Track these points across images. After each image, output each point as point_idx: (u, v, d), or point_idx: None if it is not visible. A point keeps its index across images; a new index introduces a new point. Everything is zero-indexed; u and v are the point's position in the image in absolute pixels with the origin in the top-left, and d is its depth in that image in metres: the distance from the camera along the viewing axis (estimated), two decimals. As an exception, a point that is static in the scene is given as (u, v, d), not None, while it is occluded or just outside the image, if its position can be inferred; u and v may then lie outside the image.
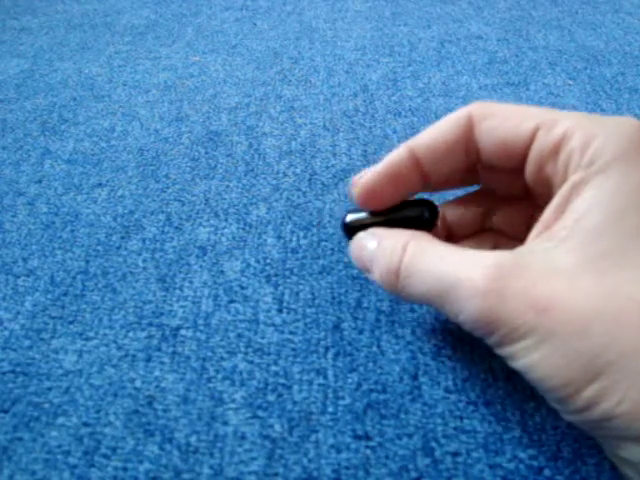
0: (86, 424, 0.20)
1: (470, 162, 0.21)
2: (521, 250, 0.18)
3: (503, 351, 0.17)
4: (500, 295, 0.16)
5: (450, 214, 0.24)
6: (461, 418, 0.20)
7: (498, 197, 0.23)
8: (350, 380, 0.21)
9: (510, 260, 0.17)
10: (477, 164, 0.21)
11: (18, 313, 0.24)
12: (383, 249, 0.20)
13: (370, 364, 0.22)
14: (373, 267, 0.20)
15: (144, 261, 0.27)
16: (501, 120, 0.19)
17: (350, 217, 0.22)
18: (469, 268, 0.17)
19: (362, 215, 0.22)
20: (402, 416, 0.20)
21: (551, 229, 0.17)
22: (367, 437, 0.20)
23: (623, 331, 0.15)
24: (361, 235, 0.21)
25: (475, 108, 0.20)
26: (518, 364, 0.17)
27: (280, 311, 0.24)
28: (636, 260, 0.16)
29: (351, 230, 0.22)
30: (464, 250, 0.18)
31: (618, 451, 0.16)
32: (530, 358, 0.16)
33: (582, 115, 0.18)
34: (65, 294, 0.25)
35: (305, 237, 0.28)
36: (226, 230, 0.29)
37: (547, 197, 0.19)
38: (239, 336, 0.23)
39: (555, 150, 0.18)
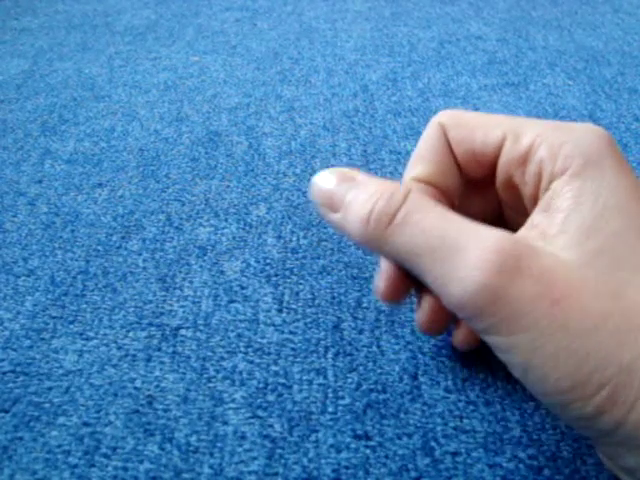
0: (86, 424, 0.20)
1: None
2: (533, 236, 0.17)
3: (497, 339, 0.15)
4: (513, 273, 0.15)
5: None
6: (461, 418, 0.20)
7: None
8: (350, 380, 0.22)
9: (526, 241, 0.16)
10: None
11: (18, 313, 0.24)
12: (375, 190, 0.18)
13: (370, 364, 0.22)
14: (350, 206, 0.18)
15: (144, 261, 0.27)
16: (469, 130, 0.19)
17: None
18: (482, 235, 0.16)
19: None
20: (402, 416, 0.20)
21: (538, 227, 0.17)
22: (367, 437, 0.20)
23: (633, 333, 0.14)
24: (325, 171, 0.19)
25: (444, 118, 0.20)
26: (514, 358, 0.15)
27: (280, 311, 0.24)
28: (629, 261, 0.16)
29: None
30: (470, 220, 0.17)
31: (620, 460, 0.16)
32: (533, 353, 0.15)
33: (547, 124, 0.18)
34: (65, 294, 0.25)
35: (305, 237, 0.28)
36: (226, 230, 0.29)
37: (516, 207, 0.19)
38: (239, 336, 0.23)
39: (523, 161, 0.18)
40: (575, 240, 0.16)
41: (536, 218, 0.17)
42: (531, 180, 0.18)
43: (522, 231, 0.17)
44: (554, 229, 0.16)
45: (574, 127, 0.18)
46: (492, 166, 0.19)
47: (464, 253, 0.15)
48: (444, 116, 0.20)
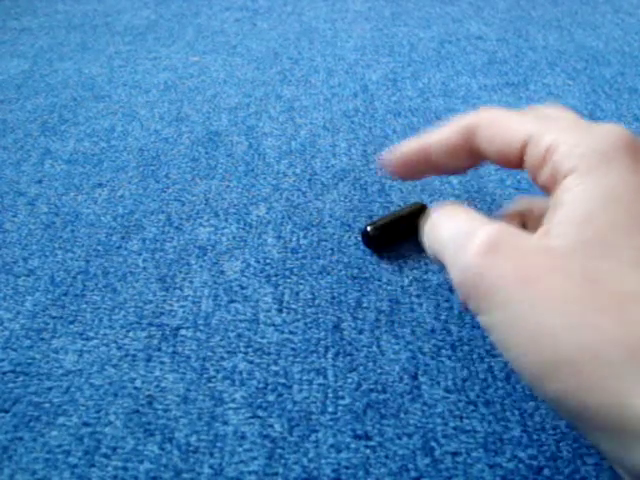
0: (86, 424, 0.20)
1: (476, 160, 0.22)
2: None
3: (481, 319, 0.17)
4: (494, 255, 0.17)
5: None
6: (461, 418, 0.20)
7: None
8: (350, 380, 0.22)
9: (514, 230, 0.18)
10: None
11: (18, 313, 0.24)
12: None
13: (370, 364, 0.22)
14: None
15: (144, 261, 0.27)
16: (497, 131, 0.21)
17: (371, 227, 0.27)
18: (485, 227, 0.18)
19: (378, 221, 0.27)
20: (402, 416, 0.20)
21: (546, 227, 0.18)
22: (367, 437, 0.20)
23: (597, 319, 0.15)
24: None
25: (477, 119, 0.21)
26: (493, 336, 0.17)
27: (280, 311, 0.24)
28: (615, 251, 0.16)
29: (374, 239, 0.27)
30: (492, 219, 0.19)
31: (625, 456, 0.16)
32: (506, 331, 0.16)
33: (569, 124, 0.20)
34: (65, 294, 0.25)
35: (305, 237, 0.28)
36: (226, 230, 0.29)
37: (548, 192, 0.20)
38: (239, 336, 0.23)
39: (543, 162, 0.19)
40: (567, 229, 0.17)
41: (547, 214, 0.19)
42: (548, 180, 0.19)
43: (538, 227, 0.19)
44: (555, 220, 0.18)
45: (594, 127, 0.19)
46: (521, 164, 0.21)
47: (468, 243, 0.18)
48: (477, 115, 0.21)
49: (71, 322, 0.24)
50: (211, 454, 0.19)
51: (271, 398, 0.21)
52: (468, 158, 0.22)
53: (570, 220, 0.17)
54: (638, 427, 0.15)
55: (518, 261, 0.17)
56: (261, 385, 0.21)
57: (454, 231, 0.19)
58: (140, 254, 0.27)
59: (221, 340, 0.23)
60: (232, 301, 0.25)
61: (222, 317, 0.24)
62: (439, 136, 0.23)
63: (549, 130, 0.20)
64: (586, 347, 0.15)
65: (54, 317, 0.24)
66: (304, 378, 0.22)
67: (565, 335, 0.15)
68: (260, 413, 0.20)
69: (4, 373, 0.22)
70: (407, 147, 0.24)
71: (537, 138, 0.20)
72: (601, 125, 0.19)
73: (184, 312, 0.24)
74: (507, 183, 0.32)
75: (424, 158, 0.23)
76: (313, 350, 0.23)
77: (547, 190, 0.20)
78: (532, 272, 0.16)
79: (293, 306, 0.25)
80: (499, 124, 0.21)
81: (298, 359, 0.22)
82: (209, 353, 0.23)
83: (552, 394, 0.16)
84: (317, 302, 0.25)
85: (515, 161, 0.21)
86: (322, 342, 0.23)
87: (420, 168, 0.24)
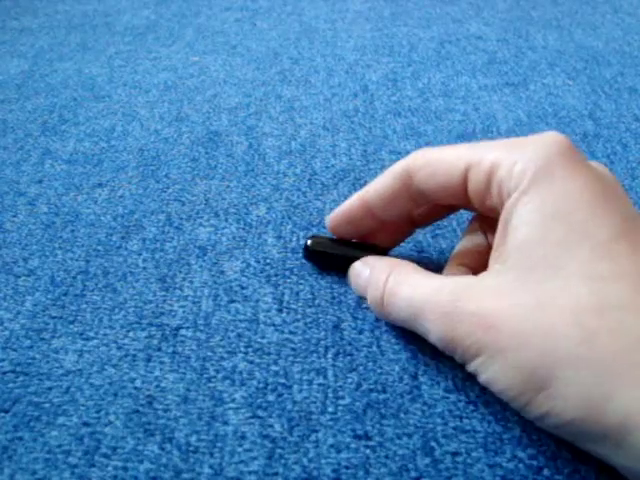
0: (86, 424, 0.20)
1: (420, 204, 0.23)
2: (481, 274, 0.19)
3: (468, 368, 0.19)
4: (455, 317, 0.18)
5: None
6: (461, 418, 0.20)
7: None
8: (350, 380, 0.22)
9: (464, 284, 0.19)
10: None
11: (18, 313, 0.24)
12: (372, 279, 0.22)
13: (370, 364, 0.22)
14: (367, 294, 0.23)
15: (144, 261, 0.27)
16: (435, 168, 0.21)
17: (312, 241, 0.26)
18: (433, 294, 0.19)
19: (324, 241, 0.26)
20: (402, 416, 0.20)
21: (498, 251, 0.19)
22: (367, 437, 0.20)
23: (558, 341, 0.16)
24: (356, 264, 0.24)
25: (412, 160, 0.22)
26: (481, 380, 0.18)
27: (280, 311, 0.24)
28: (565, 269, 0.17)
29: (312, 254, 0.26)
30: (434, 277, 0.20)
31: (613, 459, 0.17)
32: (487, 374, 0.18)
33: (505, 144, 0.20)
34: (65, 294, 0.25)
35: (305, 237, 0.28)
36: (226, 230, 0.29)
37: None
38: (239, 336, 0.23)
39: (487, 185, 0.20)
40: (515, 262, 0.18)
41: (497, 241, 0.19)
42: (496, 202, 0.20)
43: (490, 259, 0.20)
44: (504, 253, 0.19)
45: (527, 142, 0.19)
46: (465, 196, 0.21)
47: (425, 312, 0.19)
48: (411, 158, 0.22)
49: (71, 322, 0.24)
50: (211, 454, 0.19)
51: (271, 398, 0.21)
52: (410, 203, 0.23)
53: (516, 247, 0.18)
54: (616, 431, 0.15)
55: (475, 313, 0.18)
56: (261, 385, 0.21)
57: (406, 304, 0.20)
58: (140, 254, 0.27)
59: (221, 340, 0.23)
60: (232, 301, 0.25)
61: (222, 317, 0.24)
62: (376, 186, 0.23)
63: (487, 152, 0.20)
64: (554, 375, 0.16)
65: (54, 317, 0.24)
66: (304, 378, 0.22)
67: (531, 367, 0.16)
68: (260, 413, 0.20)
69: (4, 373, 0.22)
70: (347, 203, 0.24)
71: (477, 163, 0.20)
72: (537, 137, 0.19)
73: (184, 312, 0.24)
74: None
75: (364, 211, 0.23)
76: (313, 350, 0.23)
77: (496, 214, 0.20)
78: (489, 320, 0.17)
79: (293, 306, 0.25)
80: (436, 161, 0.21)
81: (298, 359, 0.22)
82: (209, 353, 0.23)
83: (554, 422, 0.17)
84: (317, 302, 0.25)
85: (459, 193, 0.21)
86: (322, 342, 0.23)
87: (364, 223, 0.24)
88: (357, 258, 0.24)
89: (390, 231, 0.25)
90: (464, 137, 0.36)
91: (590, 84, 0.43)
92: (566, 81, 0.43)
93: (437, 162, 0.21)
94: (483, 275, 0.19)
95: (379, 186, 0.23)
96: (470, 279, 0.19)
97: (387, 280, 0.21)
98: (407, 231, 0.26)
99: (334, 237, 0.26)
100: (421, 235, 0.28)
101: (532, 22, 0.54)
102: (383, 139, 0.36)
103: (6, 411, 0.21)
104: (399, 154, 0.34)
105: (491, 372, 0.17)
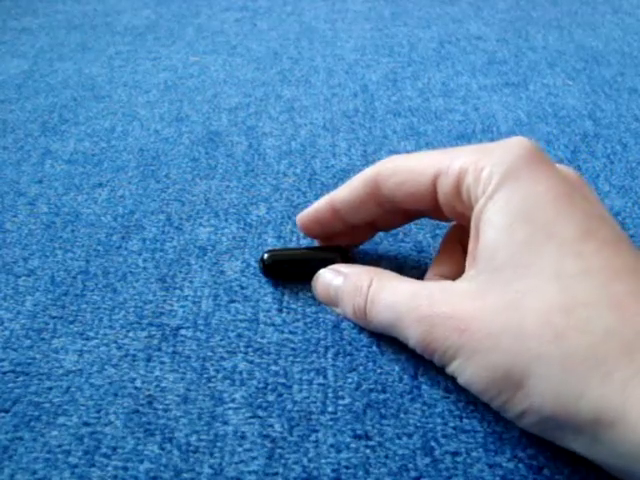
0: (86, 424, 0.20)
1: (386, 210, 0.23)
2: (457, 280, 0.20)
3: (447, 371, 0.19)
4: (431, 321, 0.18)
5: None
6: (461, 418, 0.20)
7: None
8: (350, 380, 0.22)
9: (440, 288, 0.19)
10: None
11: (19, 313, 0.24)
12: (351, 286, 0.22)
13: (370, 364, 0.22)
14: (341, 303, 0.23)
15: (144, 261, 0.27)
16: (404, 176, 0.21)
17: (268, 255, 0.25)
18: (411, 299, 0.19)
19: (281, 252, 0.26)
20: (402, 416, 0.20)
21: (471, 256, 0.19)
22: (367, 437, 0.20)
23: (528, 341, 0.16)
24: (324, 272, 0.24)
25: (380, 168, 0.22)
26: (460, 382, 0.19)
27: (280, 311, 0.24)
28: (532, 269, 0.17)
29: (270, 267, 0.25)
30: (412, 282, 0.21)
31: (591, 454, 0.17)
32: (464, 376, 0.18)
33: (473, 150, 0.20)
34: (65, 294, 0.25)
35: (305, 237, 0.28)
36: (226, 230, 0.29)
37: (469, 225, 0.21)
38: (239, 336, 0.23)
39: (457, 191, 0.20)
40: (484, 265, 0.18)
41: (470, 245, 0.20)
42: (465, 207, 0.20)
43: (466, 264, 0.20)
44: (473, 253, 0.19)
45: (495, 148, 0.20)
46: (434, 202, 0.21)
47: (404, 318, 0.19)
48: (380, 166, 0.22)
49: (71, 322, 0.24)
50: (211, 454, 0.19)
51: (271, 398, 0.21)
52: (377, 209, 0.23)
53: (485, 250, 0.18)
54: (590, 427, 0.15)
55: (451, 317, 0.18)
56: (261, 385, 0.21)
57: (387, 310, 0.20)
58: (140, 254, 0.27)
59: (221, 340, 0.23)
60: (232, 301, 0.25)
61: (222, 317, 0.24)
62: (344, 191, 0.23)
63: (455, 158, 0.20)
64: (528, 372, 0.16)
65: (54, 317, 0.24)
66: (304, 378, 0.22)
67: (507, 366, 0.17)
68: (260, 413, 0.20)
69: (4, 373, 0.22)
70: (316, 205, 0.24)
71: (445, 170, 0.20)
72: (503, 142, 0.20)
73: (184, 312, 0.24)
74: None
75: (332, 214, 0.24)
76: (313, 350, 0.23)
77: (467, 220, 0.20)
78: (463, 322, 0.18)
79: (293, 306, 0.25)
80: (404, 169, 0.21)
81: (298, 359, 0.22)
82: (209, 353, 0.23)
83: (534, 420, 0.17)
84: (317, 302, 0.25)
85: (429, 200, 0.21)
86: (322, 342, 0.23)
87: (331, 224, 0.24)
88: (321, 261, 0.24)
89: (356, 233, 0.26)
90: (464, 137, 0.36)
91: (590, 84, 0.43)
92: (566, 81, 0.43)
93: (405, 170, 0.21)
94: (458, 280, 0.20)
95: (347, 192, 0.23)
96: (446, 284, 0.20)
97: (370, 286, 0.21)
98: (372, 233, 0.26)
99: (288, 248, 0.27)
100: (421, 235, 0.28)
101: (532, 22, 0.54)
102: (383, 139, 0.36)
103: (6, 411, 0.21)
104: (399, 154, 0.34)
105: (468, 374, 0.18)
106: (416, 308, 0.19)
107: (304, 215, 0.25)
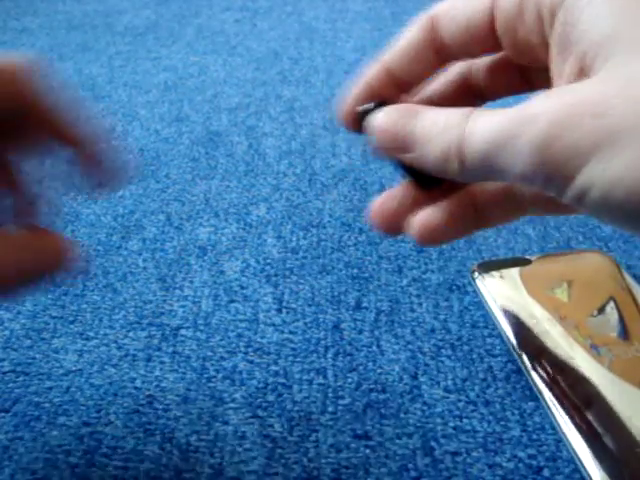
0: (86, 423, 0.20)
1: (443, 60, 0.21)
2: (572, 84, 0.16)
3: (571, 191, 0.14)
4: (559, 117, 0.14)
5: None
6: (460, 418, 0.20)
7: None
8: (350, 380, 0.22)
9: (570, 91, 0.15)
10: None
11: (19, 313, 0.24)
12: (441, 121, 0.18)
13: (370, 364, 0.22)
14: (423, 144, 0.18)
15: (144, 261, 0.27)
16: (460, 10, 0.19)
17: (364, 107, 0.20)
18: (524, 110, 0.15)
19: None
20: (402, 416, 0.20)
21: (560, 71, 0.16)
22: (367, 437, 0.20)
23: None
24: (389, 110, 0.19)
25: (437, 8, 0.20)
26: (594, 196, 0.14)
27: (280, 311, 0.24)
28: None
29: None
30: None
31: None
32: (603, 180, 0.14)
33: None
34: (65, 294, 0.25)
35: (305, 237, 0.28)
36: (226, 230, 0.29)
37: (533, 61, 0.18)
38: (239, 336, 0.23)
39: (520, 10, 0.17)
40: (599, 62, 0.15)
41: (555, 59, 0.17)
42: (531, 29, 0.17)
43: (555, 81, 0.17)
44: (580, 60, 0.15)
45: None
46: (488, 34, 0.19)
47: (519, 134, 0.15)
48: (436, 7, 0.20)
49: (71, 322, 0.24)
50: (211, 454, 0.19)
51: (271, 398, 0.21)
52: (434, 61, 0.21)
53: (600, 39, 0.15)
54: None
55: (583, 100, 0.14)
56: (261, 385, 0.21)
57: (495, 126, 0.16)
58: (140, 254, 0.27)
59: (221, 340, 0.23)
60: (232, 301, 0.25)
61: (222, 317, 0.24)
62: (398, 43, 0.21)
63: None
64: None
65: (54, 317, 0.24)
66: (304, 378, 0.22)
67: None
68: (260, 413, 0.20)
69: (4, 373, 0.22)
70: (366, 74, 0.22)
71: None
72: None
73: (184, 312, 0.24)
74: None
75: (384, 77, 0.21)
76: (313, 350, 0.23)
77: (525, 50, 0.18)
78: (599, 106, 0.14)
79: (293, 306, 0.25)
80: (462, 2, 0.19)
81: (298, 359, 0.22)
82: (209, 353, 0.23)
83: None
84: (317, 302, 0.25)
85: (485, 34, 0.19)
86: (322, 342, 0.23)
87: (383, 92, 0.21)
88: None
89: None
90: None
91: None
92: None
93: (462, 4, 0.19)
94: (580, 83, 0.15)
95: (402, 41, 0.21)
96: (573, 87, 0.15)
97: (469, 116, 0.17)
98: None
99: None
100: (421, 235, 0.28)
101: (532, 22, 0.54)
102: (383, 139, 0.36)
103: (6, 411, 0.21)
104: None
105: (609, 175, 0.14)
106: (547, 110, 0.15)
107: (354, 89, 0.21)
